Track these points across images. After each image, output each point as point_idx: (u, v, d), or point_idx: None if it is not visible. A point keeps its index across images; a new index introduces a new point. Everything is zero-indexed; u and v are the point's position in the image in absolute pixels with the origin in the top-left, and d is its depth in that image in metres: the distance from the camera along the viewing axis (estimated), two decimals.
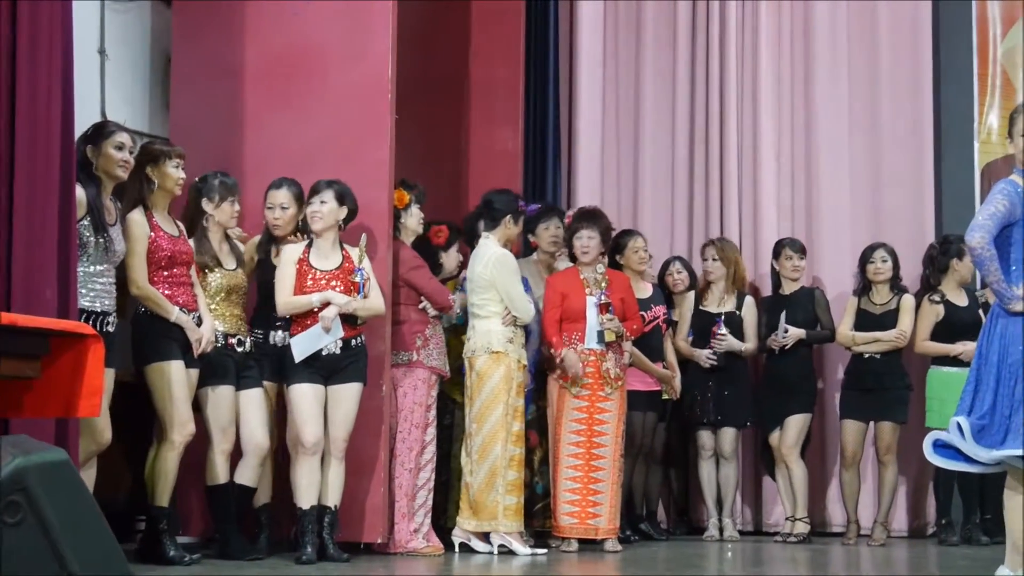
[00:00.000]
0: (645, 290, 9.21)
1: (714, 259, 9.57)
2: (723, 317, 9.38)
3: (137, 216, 6.89)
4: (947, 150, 10.25)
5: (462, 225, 8.50)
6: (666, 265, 9.78)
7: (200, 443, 7.13)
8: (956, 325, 9.08)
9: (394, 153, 7.83)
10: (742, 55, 10.47)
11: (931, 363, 9.19)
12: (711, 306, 9.52)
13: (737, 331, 9.40)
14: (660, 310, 9.21)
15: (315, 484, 7.32)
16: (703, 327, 9.44)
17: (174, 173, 7.01)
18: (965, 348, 8.84)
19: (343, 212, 7.45)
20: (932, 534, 9.62)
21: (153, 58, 8.40)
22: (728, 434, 9.41)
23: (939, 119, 10.26)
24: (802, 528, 9.25)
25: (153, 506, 6.93)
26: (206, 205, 7.26)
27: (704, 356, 9.35)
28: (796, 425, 9.31)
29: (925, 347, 9.17)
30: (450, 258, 8.35)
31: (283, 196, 7.52)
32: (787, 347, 9.30)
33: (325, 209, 7.39)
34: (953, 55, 10.29)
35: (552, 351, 8.23)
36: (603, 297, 8.24)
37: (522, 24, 9.81)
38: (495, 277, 7.97)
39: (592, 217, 8.50)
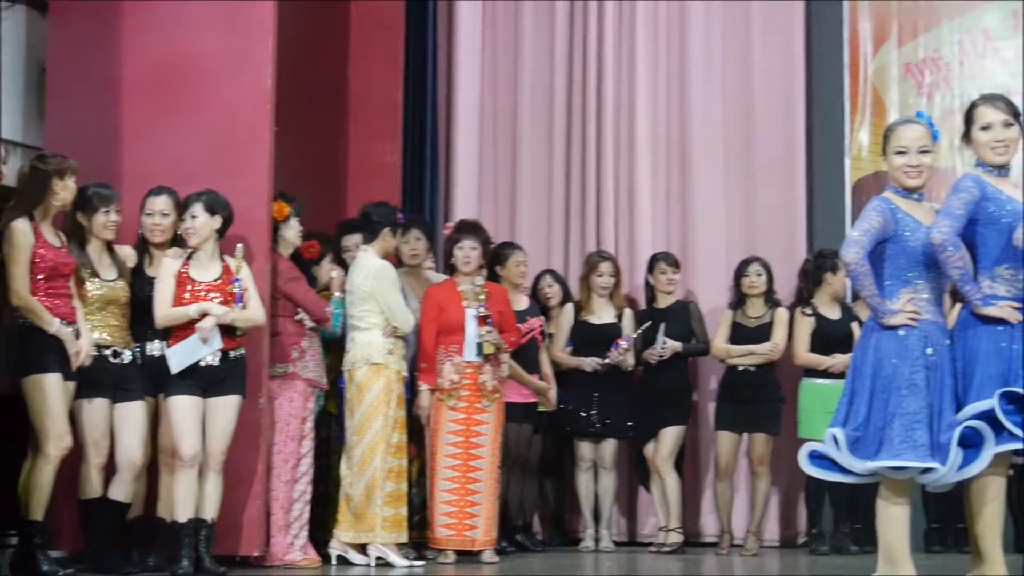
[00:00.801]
0: (521, 302, 9.26)
1: (610, 276, 9.62)
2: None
3: (21, 225, 6.81)
4: (819, 166, 10.40)
5: (335, 236, 8.53)
6: (538, 279, 9.83)
7: (74, 456, 7.02)
8: (828, 337, 9.24)
9: (273, 164, 7.79)
10: (619, 71, 10.55)
11: (803, 375, 9.33)
12: (593, 318, 9.57)
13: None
14: (536, 322, 9.24)
15: (192, 497, 7.24)
16: (587, 339, 9.48)
17: (72, 186, 6.97)
18: (836, 361, 9.00)
19: (217, 222, 7.39)
20: (803, 544, 9.76)
21: (28, 67, 8.27)
22: (610, 445, 9.47)
23: (811, 136, 10.43)
24: (676, 538, 9.34)
25: (27, 520, 6.82)
26: (81, 216, 7.18)
27: (592, 362, 9.38)
28: (671, 437, 9.39)
29: (805, 358, 9.30)
30: (323, 271, 8.32)
31: (162, 203, 7.45)
32: (664, 359, 9.39)
33: (198, 224, 7.35)
34: (825, 73, 10.44)
35: (417, 376, 8.25)
36: (482, 309, 8.26)
37: (402, 36, 9.82)
38: (375, 288, 7.96)
39: (474, 229, 8.55)
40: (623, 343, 9.33)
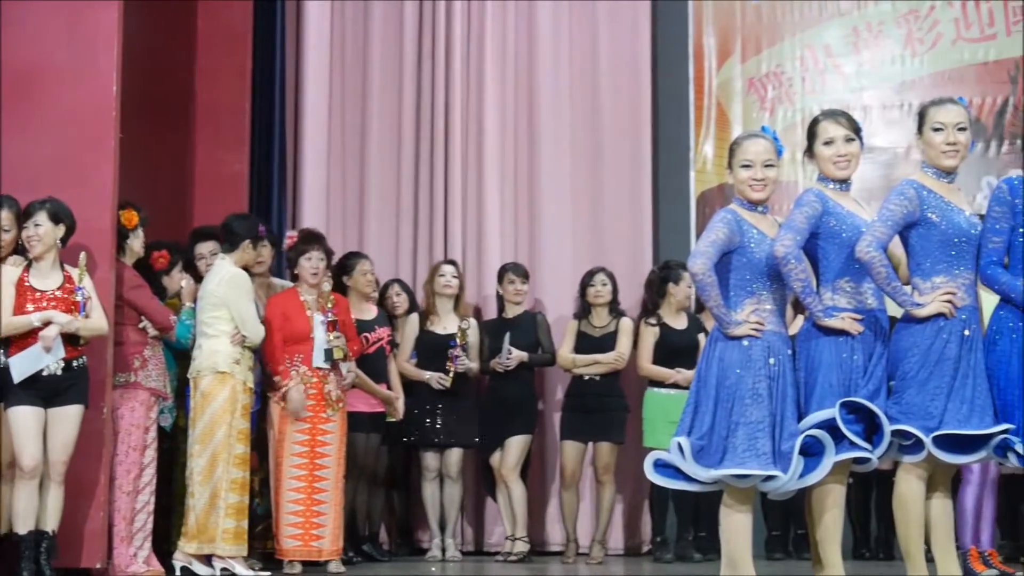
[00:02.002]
0: (370, 312, 9.25)
1: (453, 276, 9.65)
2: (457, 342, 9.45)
3: None
4: (664, 178, 10.52)
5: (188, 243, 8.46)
6: (386, 288, 9.82)
7: None
8: (673, 347, 9.34)
9: (118, 173, 7.69)
10: (468, 86, 10.56)
11: (648, 385, 9.43)
12: (438, 327, 9.59)
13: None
14: (384, 332, 9.24)
15: (33, 509, 7.12)
16: (431, 348, 9.49)
17: None
18: (680, 375, 9.11)
19: (60, 230, 7.29)
20: (648, 551, 9.86)
21: None
22: (454, 454, 9.47)
23: (657, 148, 10.54)
24: (522, 547, 9.37)
25: None
26: None
27: (436, 379, 9.40)
28: (517, 446, 9.43)
29: (648, 370, 9.40)
30: (173, 281, 8.24)
31: (4, 218, 7.29)
32: (510, 368, 9.43)
33: (41, 232, 7.24)
34: (670, 87, 10.56)
35: (278, 379, 8.21)
36: (330, 315, 8.25)
37: (249, 45, 9.71)
38: (228, 295, 7.91)
39: (320, 239, 8.58)
40: (455, 352, 9.35)
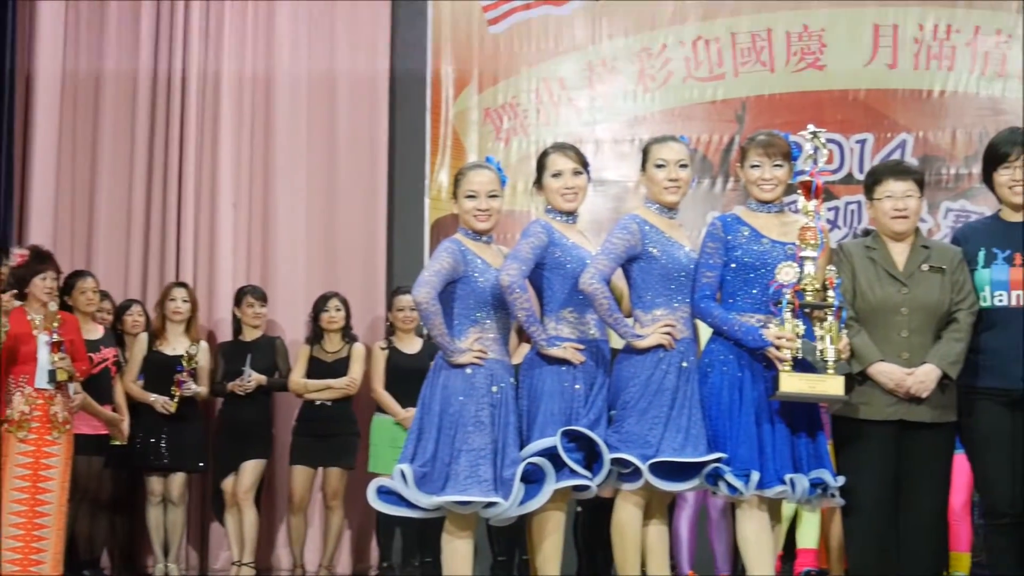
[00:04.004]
0: (95, 331, 9.09)
1: (184, 300, 9.53)
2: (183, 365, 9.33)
3: None
4: (399, 205, 10.55)
5: None
6: (123, 308, 9.67)
7: None
8: (405, 371, 9.32)
9: None
10: (203, 102, 10.45)
11: (376, 410, 9.45)
12: (167, 348, 9.45)
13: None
14: (109, 352, 9.08)
15: None
16: (158, 370, 9.35)
17: None
18: (407, 414, 9.07)
19: None
20: None
21: None
22: (178, 479, 9.35)
23: (393, 175, 10.57)
24: (248, 572, 9.29)
25: None
26: None
27: (161, 403, 9.25)
28: (252, 470, 9.37)
29: (379, 396, 9.40)
30: None
31: None
32: (249, 392, 9.36)
33: None
34: (408, 114, 10.60)
35: None
36: (55, 335, 8.07)
37: None
38: None
39: (50, 258, 8.34)
40: (181, 377, 9.25)
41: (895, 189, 6.10)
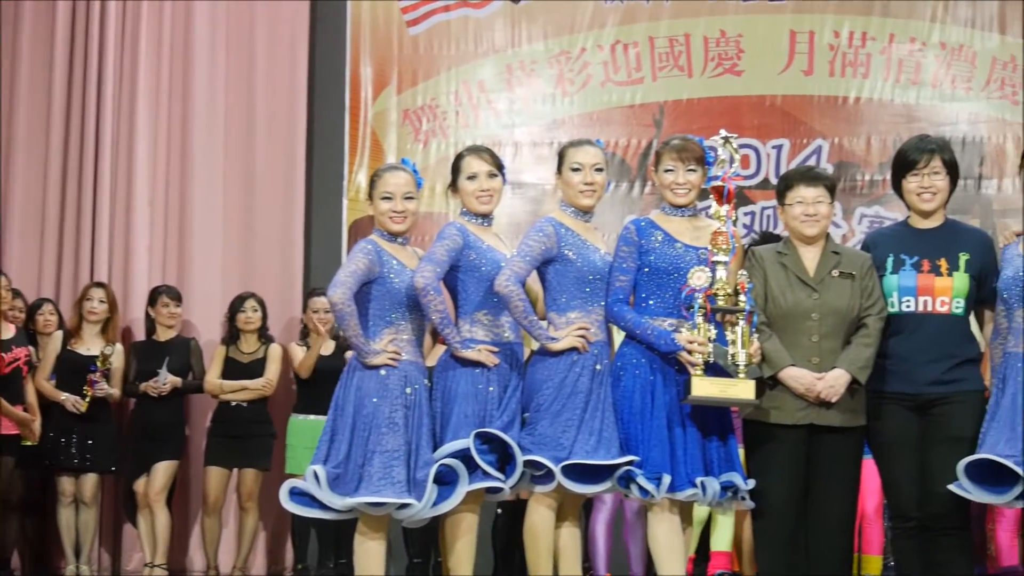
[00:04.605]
0: (7, 331, 9.00)
1: (100, 301, 9.45)
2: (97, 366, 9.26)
3: None
4: (317, 205, 10.54)
5: None
6: (35, 307, 9.60)
7: None
8: (323, 371, 9.30)
9: None
10: (119, 103, 10.38)
11: (292, 411, 9.43)
12: (82, 348, 9.38)
13: None
14: (22, 352, 8.99)
15: None
16: (71, 370, 9.27)
17: None
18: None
19: None
20: None
21: None
22: (89, 479, 9.28)
23: (311, 175, 10.55)
24: (160, 574, 9.25)
25: None
26: None
27: (72, 402, 9.17)
28: (164, 471, 9.31)
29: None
30: None
31: None
32: (164, 394, 9.30)
33: None
34: (326, 114, 10.58)
35: None
36: None
37: None
38: None
39: None
40: (95, 377, 9.18)
41: (806, 195, 6.16)
